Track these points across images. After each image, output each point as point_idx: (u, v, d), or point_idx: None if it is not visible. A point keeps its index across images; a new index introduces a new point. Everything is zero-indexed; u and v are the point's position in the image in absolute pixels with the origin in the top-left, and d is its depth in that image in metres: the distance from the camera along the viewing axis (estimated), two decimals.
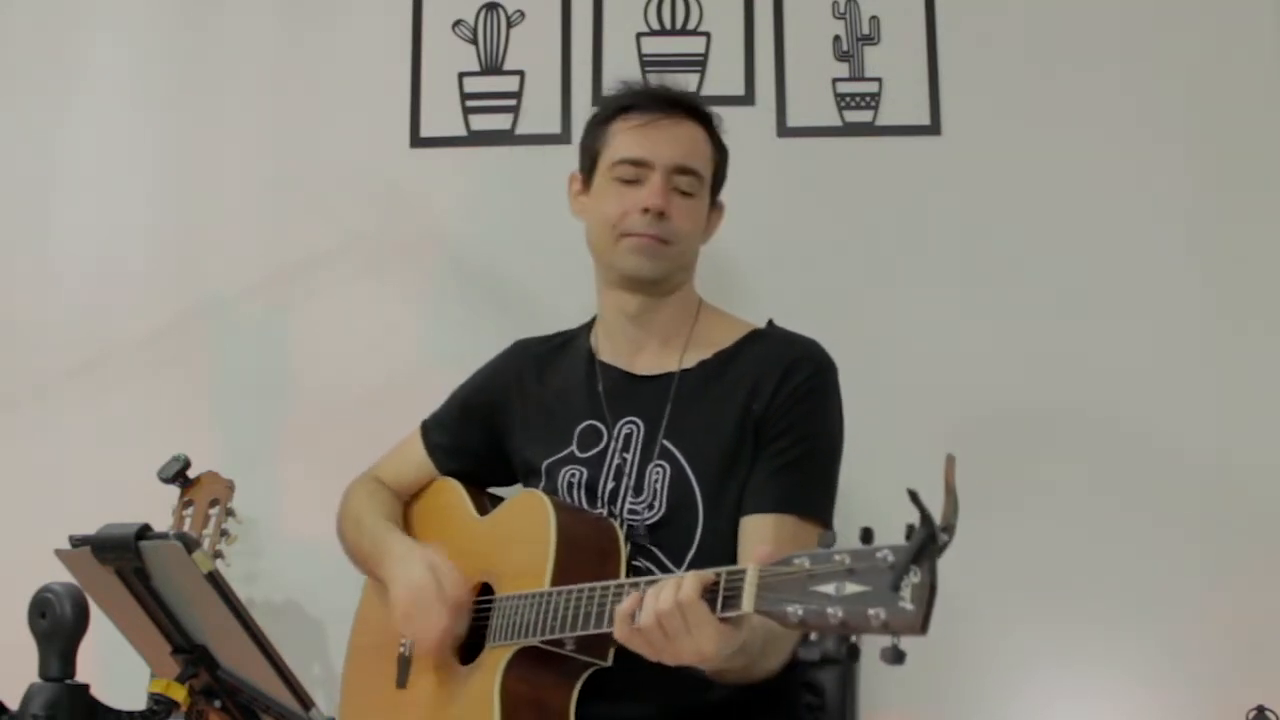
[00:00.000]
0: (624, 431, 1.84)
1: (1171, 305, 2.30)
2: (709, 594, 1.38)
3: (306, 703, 1.38)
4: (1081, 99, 2.35)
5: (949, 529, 1.14)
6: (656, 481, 1.78)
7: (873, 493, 1.92)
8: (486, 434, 1.98)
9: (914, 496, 1.12)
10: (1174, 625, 2.21)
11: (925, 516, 1.13)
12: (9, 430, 2.40)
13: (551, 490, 1.84)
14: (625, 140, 1.85)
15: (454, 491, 1.97)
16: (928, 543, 1.14)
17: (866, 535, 1.21)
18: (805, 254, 2.35)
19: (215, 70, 2.48)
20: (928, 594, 1.14)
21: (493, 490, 2.01)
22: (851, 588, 1.19)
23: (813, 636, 1.28)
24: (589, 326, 2.00)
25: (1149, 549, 2.23)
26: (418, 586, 1.75)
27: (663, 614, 1.39)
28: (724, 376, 1.83)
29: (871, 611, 1.17)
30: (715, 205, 1.94)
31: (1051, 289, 2.32)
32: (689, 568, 1.71)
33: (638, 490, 1.79)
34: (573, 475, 1.83)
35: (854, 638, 1.20)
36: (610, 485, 1.80)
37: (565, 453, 1.85)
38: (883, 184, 2.37)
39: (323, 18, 2.49)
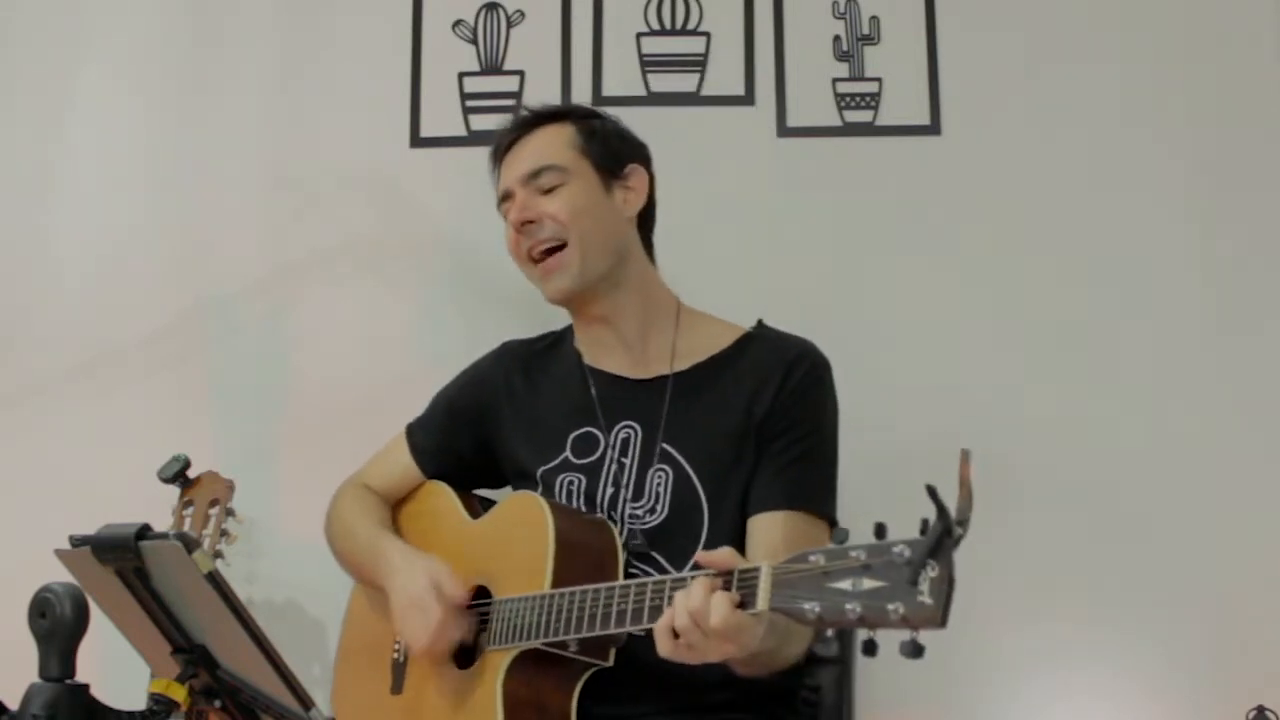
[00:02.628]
0: (621, 436, 1.82)
1: (1172, 306, 2.31)
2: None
3: (306, 703, 1.38)
4: (1082, 98, 2.36)
5: (964, 523, 1.14)
6: (659, 485, 1.77)
7: (871, 490, 1.94)
8: (473, 437, 1.95)
9: (931, 491, 1.13)
10: (1174, 625, 2.21)
11: (942, 510, 1.14)
12: (9, 430, 2.39)
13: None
14: (497, 187, 1.90)
15: (444, 495, 1.94)
16: (944, 536, 1.14)
17: (880, 530, 1.22)
18: (805, 254, 2.34)
19: (215, 70, 2.48)
20: (946, 587, 1.15)
21: (481, 493, 1.99)
22: (868, 583, 1.20)
23: (829, 633, 1.27)
24: (573, 329, 1.97)
25: (1148, 549, 2.23)
26: (418, 592, 1.73)
27: (696, 619, 1.37)
28: (722, 379, 1.82)
29: (890, 607, 1.17)
30: (619, 176, 1.87)
31: (1051, 289, 2.32)
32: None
33: (637, 495, 1.78)
34: (571, 484, 1.82)
35: (873, 633, 1.20)
36: (609, 491, 1.79)
37: (559, 460, 1.84)
38: (883, 184, 2.37)
39: (323, 18, 2.49)
